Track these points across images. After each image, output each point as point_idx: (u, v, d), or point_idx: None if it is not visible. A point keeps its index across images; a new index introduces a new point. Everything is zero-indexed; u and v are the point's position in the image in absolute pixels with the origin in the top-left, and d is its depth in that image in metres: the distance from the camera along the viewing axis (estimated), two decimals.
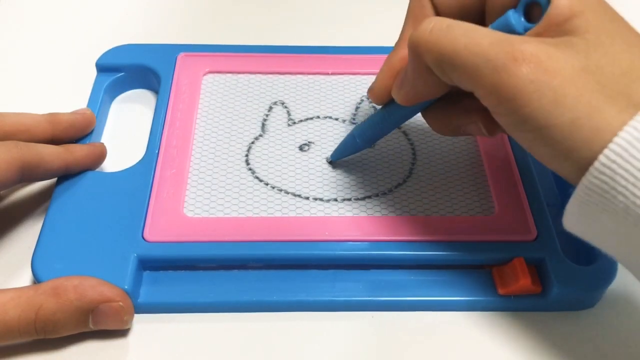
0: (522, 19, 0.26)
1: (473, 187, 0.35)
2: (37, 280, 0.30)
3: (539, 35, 0.25)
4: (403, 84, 0.29)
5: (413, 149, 0.37)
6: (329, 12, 0.49)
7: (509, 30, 0.25)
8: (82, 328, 0.29)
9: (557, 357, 0.30)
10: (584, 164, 0.23)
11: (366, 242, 0.32)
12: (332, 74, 0.41)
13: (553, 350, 0.30)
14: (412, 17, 0.31)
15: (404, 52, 0.29)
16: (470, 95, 0.26)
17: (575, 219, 0.25)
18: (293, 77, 0.40)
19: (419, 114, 0.32)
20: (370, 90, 0.32)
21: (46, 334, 0.28)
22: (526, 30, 0.25)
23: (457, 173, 0.35)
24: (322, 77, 0.41)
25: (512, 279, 0.31)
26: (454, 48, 0.25)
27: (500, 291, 0.31)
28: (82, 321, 0.28)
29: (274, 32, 0.47)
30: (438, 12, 0.30)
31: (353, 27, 0.48)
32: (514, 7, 0.26)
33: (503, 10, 0.26)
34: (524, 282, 0.30)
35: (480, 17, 0.29)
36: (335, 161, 0.35)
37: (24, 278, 0.32)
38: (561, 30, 0.24)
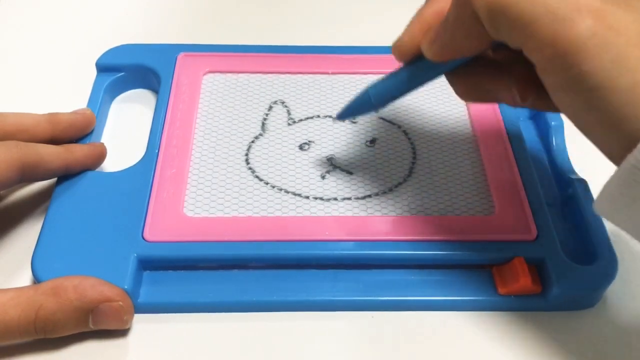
0: None
1: (473, 187, 0.34)
2: (37, 280, 0.30)
3: None
4: (439, 36, 0.26)
5: (413, 148, 0.37)
6: (329, 12, 0.49)
7: None
8: (82, 328, 0.29)
9: (557, 357, 0.30)
10: (635, 137, 0.21)
11: (366, 242, 0.32)
12: (332, 73, 0.41)
13: (553, 350, 0.30)
14: None
15: (440, 5, 0.28)
16: (506, 57, 0.24)
17: (612, 203, 0.23)
18: (293, 76, 0.41)
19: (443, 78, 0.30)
20: (394, 46, 0.29)
21: (46, 334, 0.28)
22: None
23: (457, 172, 0.35)
24: (322, 76, 0.41)
25: (512, 279, 0.31)
26: None
27: (500, 291, 0.31)
28: (82, 321, 0.28)
29: (274, 32, 0.47)
30: None
31: (353, 27, 0.48)
32: None
33: None
34: (524, 281, 0.30)
35: None
36: (342, 119, 0.34)
37: (24, 278, 0.32)
38: None
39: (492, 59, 0.28)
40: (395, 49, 0.30)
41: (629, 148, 0.21)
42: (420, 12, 0.29)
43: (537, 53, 0.23)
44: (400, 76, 0.31)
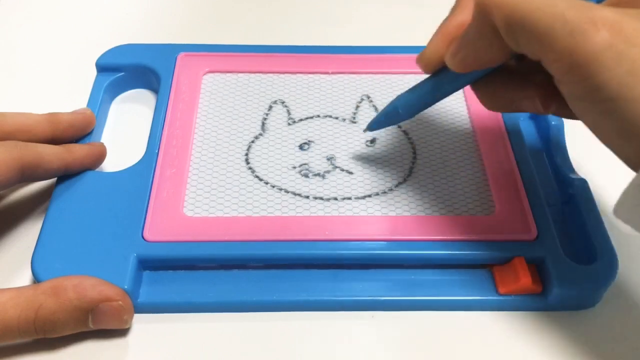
0: None
1: (473, 187, 0.34)
2: (37, 280, 0.30)
3: (615, 5, 0.24)
4: (461, 47, 0.27)
5: (413, 148, 0.37)
6: (329, 12, 0.49)
7: None
8: (81, 327, 0.29)
9: (557, 357, 0.30)
10: None
11: (366, 242, 0.32)
12: (333, 73, 0.41)
13: (553, 350, 0.30)
14: None
15: (462, 17, 0.28)
16: (528, 68, 0.25)
17: (631, 208, 0.23)
18: (293, 76, 0.41)
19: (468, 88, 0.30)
20: (419, 57, 0.30)
21: (46, 334, 0.28)
22: (599, 1, 0.25)
23: (457, 172, 0.35)
24: (322, 76, 0.41)
25: (512, 279, 0.31)
26: (527, 7, 0.23)
27: (501, 291, 0.31)
28: (81, 320, 0.28)
29: (274, 32, 0.47)
30: None
31: (353, 27, 0.48)
32: None
33: None
34: (524, 281, 0.30)
35: None
36: (371, 131, 0.35)
37: (24, 278, 0.32)
38: (638, 2, 0.24)
39: (514, 68, 0.28)
40: (420, 61, 0.30)
41: None
42: (443, 24, 0.29)
43: (555, 64, 0.24)
44: (426, 87, 0.31)
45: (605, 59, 0.22)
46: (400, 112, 0.33)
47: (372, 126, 0.35)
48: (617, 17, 0.23)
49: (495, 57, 0.27)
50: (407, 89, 0.38)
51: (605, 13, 0.23)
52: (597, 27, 0.22)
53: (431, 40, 0.30)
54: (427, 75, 0.31)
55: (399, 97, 0.33)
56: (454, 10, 0.30)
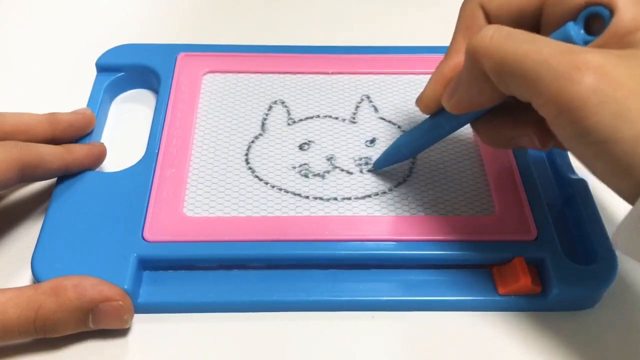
0: (582, 32, 0.25)
1: (473, 187, 0.34)
2: (37, 280, 0.30)
3: (600, 47, 0.24)
4: (455, 91, 0.28)
5: None
6: (329, 12, 0.49)
7: (568, 42, 0.25)
8: (82, 327, 0.29)
9: (557, 357, 0.30)
10: None
11: (366, 242, 0.32)
12: (333, 73, 0.41)
13: (553, 350, 0.30)
14: (464, 26, 0.30)
15: (456, 61, 0.29)
16: (524, 107, 0.26)
17: (629, 239, 0.24)
18: (293, 76, 0.41)
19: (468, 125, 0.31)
20: (419, 99, 0.31)
21: (46, 334, 0.28)
22: (586, 43, 0.25)
23: (457, 173, 0.35)
24: (321, 76, 0.41)
25: (512, 279, 0.31)
26: (514, 55, 0.24)
27: (500, 291, 0.31)
28: (82, 320, 0.28)
29: (274, 32, 0.47)
30: (488, 16, 0.29)
31: (353, 27, 0.48)
32: (573, 19, 0.25)
33: (561, 22, 0.26)
34: (524, 282, 0.30)
35: (535, 30, 0.28)
36: (378, 170, 0.35)
37: (24, 278, 0.32)
38: (624, 42, 0.24)
39: (512, 106, 0.29)
40: (419, 103, 0.31)
41: None
42: (439, 67, 0.31)
43: (544, 108, 0.24)
44: (426, 127, 0.32)
45: (591, 103, 0.23)
46: (404, 151, 0.34)
47: (378, 164, 0.35)
48: (601, 60, 0.23)
49: (488, 99, 0.27)
50: (406, 88, 0.38)
51: (589, 57, 0.23)
52: (581, 72, 0.23)
53: (428, 83, 0.31)
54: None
55: (402, 136, 0.34)
56: (448, 53, 0.31)
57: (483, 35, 0.25)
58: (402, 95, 0.39)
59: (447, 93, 0.29)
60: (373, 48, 0.42)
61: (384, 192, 0.34)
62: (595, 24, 0.25)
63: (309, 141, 0.37)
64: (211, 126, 0.37)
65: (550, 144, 0.28)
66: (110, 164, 0.36)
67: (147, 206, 0.32)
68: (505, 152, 0.36)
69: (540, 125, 0.27)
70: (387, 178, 0.35)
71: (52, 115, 0.35)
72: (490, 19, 0.29)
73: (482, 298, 0.31)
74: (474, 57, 0.26)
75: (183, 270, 0.32)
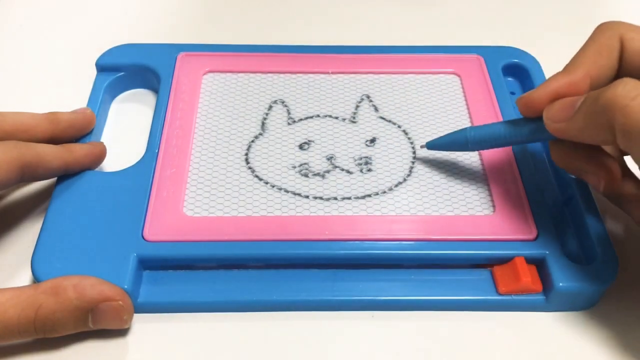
0: None
1: (473, 186, 0.34)
2: (36, 279, 0.30)
3: None
4: (566, 118, 0.28)
5: (413, 148, 0.37)
6: (329, 12, 0.49)
7: None
8: (81, 327, 0.29)
9: (557, 357, 0.30)
10: None
11: (366, 242, 0.32)
12: (333, 73, 0.41)
13: (553, 350, 0.30)
14: (596, 50, 0.29)
15: (575, 78, 0.29)
16: (603, 150, 0.26)
17: None
18: (293, 76, 0.41)
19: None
20: (522, 99, 0.30)
21: (46, 334, 0.28)
22: None
23: (457, 172, 0.35)
24: (321, 76, 0.41)
25: (512, 278, 0.31)
26: None
27: (501, 290, 0.31)
28: (81, 320, 0.28)
29: (274, 32, 0.47)
30: (623, 52, 0.29)
31: (353, 27, 0.48)
32: None
33: None
34: (524, 281, 0.30)
35: None
36: (429, 149, 0.35)
37: (24, 278, 0.32)
38: None
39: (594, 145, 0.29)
40: (522, 103, 0.30)
41: None
42: (555, 78, 0.30)
43: None
44: (506, 131, 0.32)
45: None
46: (470, 145, 0.33)
47: (433, 145, 0.35)
48: None
49: (593, 141, 0.27)
50: (406, 88, 0.38)
51: None
52: None
53: (539, 87, 0.30)
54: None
55: (471, 129, 0.33)
56: (568, 67, 0.30)
57: (625, 93, 0.25)
58: (402, 95, 0.39)
59: (555, 115, 0.28)
60: (373, 48, 0.42)
61: (384, 192, 0.34)
62: None
63: (309, 141, 0.37)
64: (211, 126, 0.37)
65: (611, 193, 0.29)
66: (110, 164, 0.36)
67: (147, 206, 0.32)
68: (506, 151, 0.36)
69: (611, 174, 0.28)
70: (387, 178, 0.35)
71: (52, 114, 0.35)
72: (623, 55, 0.29)
73: (482, 297, 0.31)
74: (607, 109, 0.25)
75: (183, 270, 0.32)
